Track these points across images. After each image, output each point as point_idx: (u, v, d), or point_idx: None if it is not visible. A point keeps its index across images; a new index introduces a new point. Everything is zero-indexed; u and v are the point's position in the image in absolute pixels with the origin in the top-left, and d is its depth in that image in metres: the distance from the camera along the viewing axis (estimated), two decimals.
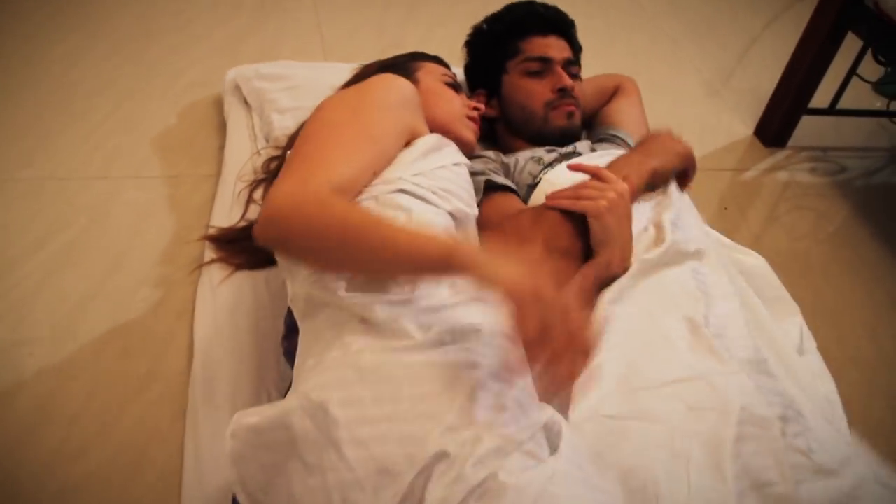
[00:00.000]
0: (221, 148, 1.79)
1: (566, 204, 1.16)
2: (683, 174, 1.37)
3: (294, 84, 1.75)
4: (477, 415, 0.82)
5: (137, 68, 2.14)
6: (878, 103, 2.39)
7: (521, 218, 1.24)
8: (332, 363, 0.88)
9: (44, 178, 1.73)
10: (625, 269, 1.15)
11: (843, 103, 2.28)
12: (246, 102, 1.80)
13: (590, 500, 0.83)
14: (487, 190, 1.36)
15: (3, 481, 1.17)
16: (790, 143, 2.33)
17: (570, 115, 1.52)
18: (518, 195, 1.40)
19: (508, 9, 1.59)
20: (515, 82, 1.54)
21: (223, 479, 1.09)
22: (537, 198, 1.34)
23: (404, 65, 1.43)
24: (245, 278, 1.42)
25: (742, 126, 2.39)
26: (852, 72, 2.20)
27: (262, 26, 2.43)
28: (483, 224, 1.25)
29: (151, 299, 1.47)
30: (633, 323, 1.11)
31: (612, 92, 1.83)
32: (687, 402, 1.01)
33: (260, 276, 1.42)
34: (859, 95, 2.30)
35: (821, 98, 2.26)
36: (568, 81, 1.50)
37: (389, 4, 2.65)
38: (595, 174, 1.19)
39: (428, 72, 1.42)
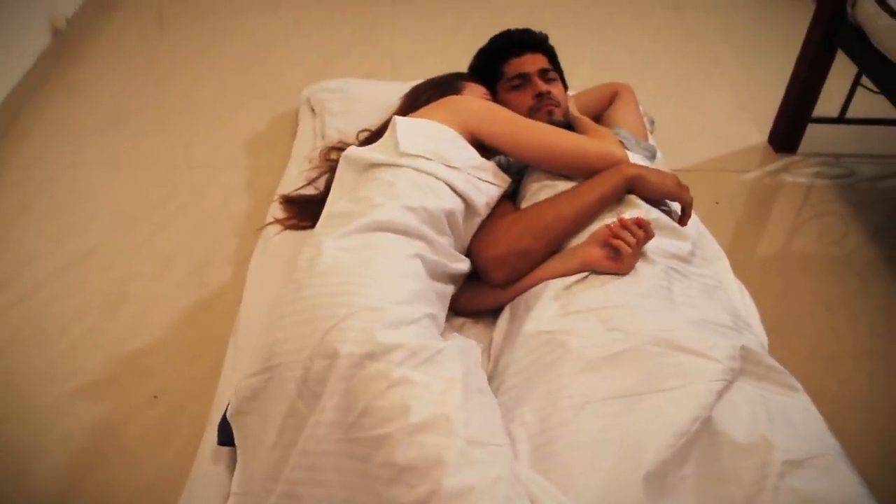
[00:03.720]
0: None
1: (604, 231, 1.42)
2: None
3: (346, 95, 2.25)
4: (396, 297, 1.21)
5: (244, 87, 2.75)
6: None
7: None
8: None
9: (166, 165, 2.34)
10: None
11: (857, 112, 2.50)
12: (312, 110, 2.31)
13: (463, 367, 1.18)
14: None
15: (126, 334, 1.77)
16: (801, 149, 2.56)
17: (550, 113, 1.78)
18: (512, 201, 1.71)
19: (490, 41, 1.90)
20: (505, 98, 1.81)
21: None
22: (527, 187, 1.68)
23: (452, 83, 1.79)
24: (291, 235, 1.88)
25: (758, 134, 2.65)
26: (856, 83, 2.41)
27: (347, 53, 2.98)
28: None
29: (225, 251, 2.03)
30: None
31: (611, 98, 2.14)
32: (605, 324, 1.32)
33: (301, 234, 1.88)
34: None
35: (833, 107, 2.50)
36: (543, 87, 1.77)
37: (456, 32, 3.13)
38: (645, 226, 1.40)
39: (471, 90, 1.78)
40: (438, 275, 1.37)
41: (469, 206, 1.47)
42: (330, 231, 1.32)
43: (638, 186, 1.53)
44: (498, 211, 1.58)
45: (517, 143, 1.56)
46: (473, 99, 1.65)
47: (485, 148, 1.56)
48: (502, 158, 1.74)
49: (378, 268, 1.24)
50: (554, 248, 1.50)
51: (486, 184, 1.51)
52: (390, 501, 1.03)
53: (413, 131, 1.47)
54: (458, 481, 0.99)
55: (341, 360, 1.11)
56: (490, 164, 1.55)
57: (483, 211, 1.51)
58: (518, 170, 1.73)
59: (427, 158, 1.43)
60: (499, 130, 1.55)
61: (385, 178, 1.40)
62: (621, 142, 1.81)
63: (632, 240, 1.38)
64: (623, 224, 1.39)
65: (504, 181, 1.57)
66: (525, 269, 1.48)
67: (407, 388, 1.07)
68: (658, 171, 1.60)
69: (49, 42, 2.82)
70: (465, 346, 1.24)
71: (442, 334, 1.30)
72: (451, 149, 1.47)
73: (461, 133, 1.52)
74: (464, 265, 1.46)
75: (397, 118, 1.51)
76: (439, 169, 1.43)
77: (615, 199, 1.52)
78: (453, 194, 1.43)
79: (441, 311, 1.35)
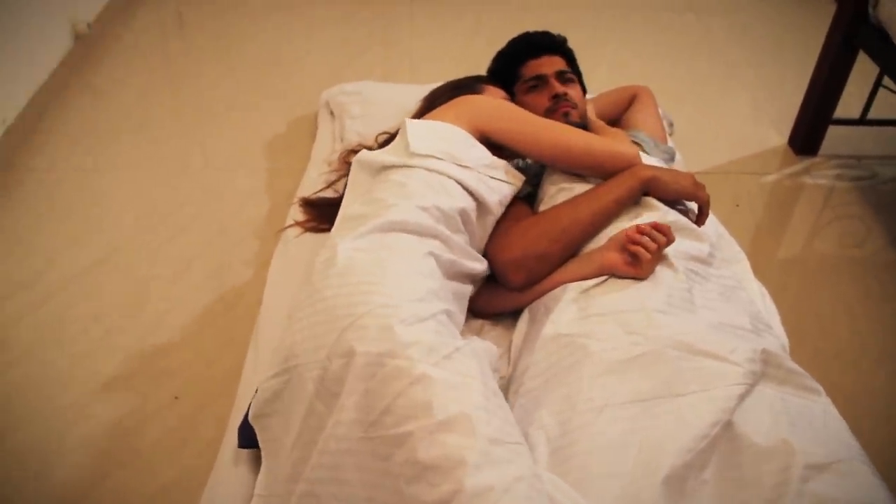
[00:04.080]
0: None
1: (623, 237, 1.43)
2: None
3: (365, 98, 2.26)
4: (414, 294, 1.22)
5: (262, 88, 2.78)
6: None
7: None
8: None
9: (186, 167, 2.36)
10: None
11: (879, 113, 2.48)
12: (332, 113, 2.32)
13: (480, 369, 1.19)
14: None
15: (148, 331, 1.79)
16: (822, 151, 2.54)
17: (566, 114, 1.76)
18: (530, 204, 1.73)
19: (509, 44, 1.90)
20: (522, 100, 1.80)
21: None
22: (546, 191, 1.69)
23: (472, 85, 1.80)
24: (311, 237, 1.89)
25: (778, 136, 2.63)
26: (878, 84, 2.39)
27: (364, 54, 3.00)
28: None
29: (244, 254, 2.04)
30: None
31: (630, 100, 2.14)
32: (624, 328, 1.32)
33: (321, 237, 1.89)
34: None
35: (854, 108, 2.48)
36: (559, 89, 1.76)
37: (475, 34, 3.13)
38: (664, 230, 1.40)
39: (490, 92, 1.78)
40: (454, 274, 1.38)
41: (482, 205, 1.47)
42: (345, 233, 1.33)
43: (654, 188, 1.53)
44: (514, 214, 1.58)
45: (527, 141, 1.57)
46: (483, 97, 1.66)
47: (499, 148, 1.57)
48: (520, 161, 1.74)
49: (394, 267, 1.25)
50: (571, 251, 1.50)
51: (498, 182, 1.52)
52: (412, 500, 1.03)
53: (423, 132, 1.48)
54: (479, 481, 0.99)
55: (358, 358, 1.11)
56: (502, 163, 1.56)
57: (496, 209, 1.51)
58: (536, 173, 1.73)
59: (438, 158, 1.44)
60: (507, 127, 1.56)
61: (397, 179, 1.41)
62: (640, 144, 1.81)
63: (652, 245, 1.37)
64: (641, 230, 1.38)
65: (517, 179, 1.57)
66: (542, 272, 1.48)
67: (428, 385, 1.08)
68: (673, 170, 1.59)
69: (71, 46, 2.85)
70: (480, 348, 1.24)
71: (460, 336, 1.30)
72: (462, 148, 1.49)
73: (471, 132, 1.53)
74: (480, 265, 1.46)
75: (407, 120, 1.52)
76: (450, 168, 1.44)
77: (632, 201, 1.52)
78: (465, 193, 1.44)
79: (458, 310, 1.36)
